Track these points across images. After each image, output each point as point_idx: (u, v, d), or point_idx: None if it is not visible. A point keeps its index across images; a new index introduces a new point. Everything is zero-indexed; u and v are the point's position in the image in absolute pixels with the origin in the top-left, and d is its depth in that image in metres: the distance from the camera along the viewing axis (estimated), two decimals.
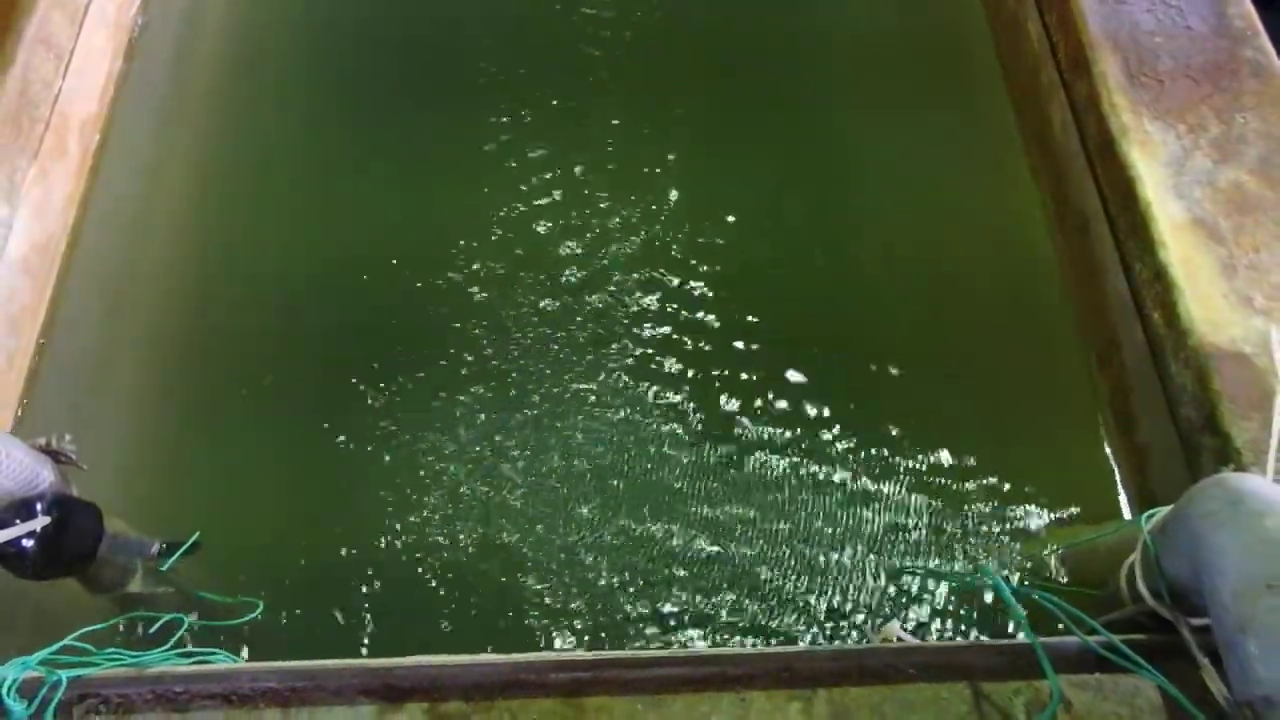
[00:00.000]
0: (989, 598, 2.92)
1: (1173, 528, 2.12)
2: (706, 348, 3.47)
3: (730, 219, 3.78)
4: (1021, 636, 2.14)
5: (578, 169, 3.91)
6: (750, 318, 3.53)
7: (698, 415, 3.34)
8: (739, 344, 3.46)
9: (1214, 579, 1.94)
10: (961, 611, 2.93)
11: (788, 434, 3.28)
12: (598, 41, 4.27)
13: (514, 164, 3.91)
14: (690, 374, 3.42)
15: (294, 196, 3.83)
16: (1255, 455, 2.44)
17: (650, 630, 2.97)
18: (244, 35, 4.32)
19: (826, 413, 3.31)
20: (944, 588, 2.95)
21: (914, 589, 2.97)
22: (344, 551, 3.07)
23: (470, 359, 3.46)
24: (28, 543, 2.30)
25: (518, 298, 3.58)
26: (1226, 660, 1.90)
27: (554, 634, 2.96)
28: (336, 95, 4.15)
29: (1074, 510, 3.08)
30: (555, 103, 4.10)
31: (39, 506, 2.34)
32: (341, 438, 3.26)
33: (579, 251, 3.70)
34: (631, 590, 3.03)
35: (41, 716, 2.02)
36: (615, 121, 4.05)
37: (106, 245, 3.55)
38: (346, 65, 4.25)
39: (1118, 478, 3.11)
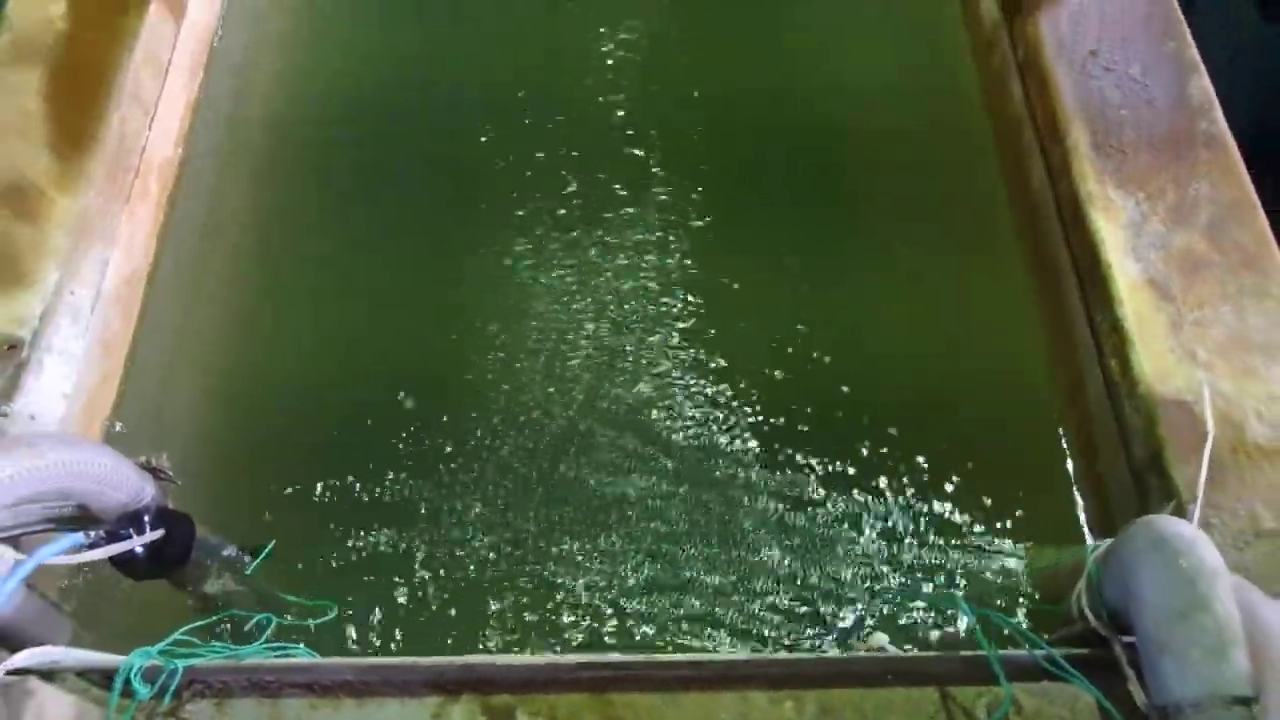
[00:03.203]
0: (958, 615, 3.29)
1: (1111, 559, 2.48)
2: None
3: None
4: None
5: None
6: None
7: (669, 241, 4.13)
8: None
9: (1140, 606, 2.31)
10: (934, 630, 3.31)
11: None
12: None
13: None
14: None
15: (346, 283, 4.13)
16: (1193, 494, 2.76)
17: None
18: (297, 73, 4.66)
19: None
20: (917, 605, 3.33)
21: (890, 608, 3.35)
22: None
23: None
24: (139, 550, 2.69)
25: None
26: (1147, 674, 2.28)
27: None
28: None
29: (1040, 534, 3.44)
30: None
31: (146, 519, 2.72)
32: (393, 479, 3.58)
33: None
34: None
35: (161, 699, 2.37)
36: None
37: (179, 276, 3.87)
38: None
39: (1080, 504, 3.49)
